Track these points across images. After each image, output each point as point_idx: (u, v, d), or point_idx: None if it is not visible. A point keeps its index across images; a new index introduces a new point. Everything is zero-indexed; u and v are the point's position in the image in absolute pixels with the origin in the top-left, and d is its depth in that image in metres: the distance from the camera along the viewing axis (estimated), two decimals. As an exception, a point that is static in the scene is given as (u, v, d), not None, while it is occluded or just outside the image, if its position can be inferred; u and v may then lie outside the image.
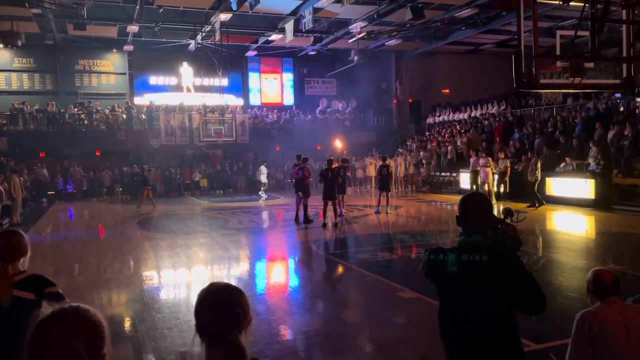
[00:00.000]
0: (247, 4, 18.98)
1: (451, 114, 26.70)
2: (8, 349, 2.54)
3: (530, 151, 16.26)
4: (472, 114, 25.26)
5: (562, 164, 15.67)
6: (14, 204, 14.63)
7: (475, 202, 2.54)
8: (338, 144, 21.84)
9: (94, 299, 6.99)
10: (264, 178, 21.14)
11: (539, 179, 14.79)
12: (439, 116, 27.56)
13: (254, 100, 29.85)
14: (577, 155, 15.89)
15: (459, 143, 21.65)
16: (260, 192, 21.07)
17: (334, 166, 13.02)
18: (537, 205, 14.59)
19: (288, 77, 30.73)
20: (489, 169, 16.78)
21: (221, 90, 24.77)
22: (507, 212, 2.69)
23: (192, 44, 24.71)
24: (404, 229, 12.97)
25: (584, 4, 5.31)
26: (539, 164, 14.81)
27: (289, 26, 21.49)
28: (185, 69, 27.26)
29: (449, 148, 21.62)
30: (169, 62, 26.80)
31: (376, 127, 29.78)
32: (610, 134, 15.63)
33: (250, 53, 27.98)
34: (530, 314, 2.42)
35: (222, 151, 26.22)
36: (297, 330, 5.61)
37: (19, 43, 20.14)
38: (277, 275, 8.86)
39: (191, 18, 21.86)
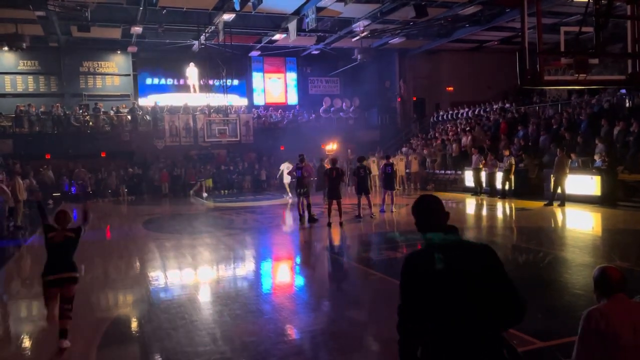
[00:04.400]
0: (250, 4, 18.97)
1: (455, 111, 26.61)
2: (63, 263, 5.26)
3: (559, 147, 15.29)
4: (477, 112, 25.17)
5: (568, 161, 15.54)
6: (17, 206, 14.62)
7: (431, 201, 2.47)
8: (331, 147, 21.36)
9: (100, 299, 7.03)
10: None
11: (567, 176, 14.31)
12: (443, 114, 27.48)
13: (258, 100, 29.84)
14: (583, 152, 15.79)
15: (463, 141, 21.58)
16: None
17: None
18: (560, 203, 14.15)
19: (292, 76, 30.69)
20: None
21: (225, 90, 24.79)
22: None
23: (196, 45, 24.74)
24: (409, 227, 12.93)
25: (588, 0, 5.29)
26: (568, 161, 14.39)
27: (292, 26, 21.47)
28: (191, 69, 27.28)
29: (454, 146, 21.56)
30: (173, 63, 26.85)
31: (380, 126, 29.69)
32: (615, 130, 15.53)
33: (254, 53, 27.98)
34: (508, 324, 2.30)
35: (226, 151, 26.25)
36: (302, 329, 5.61)
37: (24, 46, 20.25)
38: (282, 274, 8.87)
39: (194, 19, 21.86)
